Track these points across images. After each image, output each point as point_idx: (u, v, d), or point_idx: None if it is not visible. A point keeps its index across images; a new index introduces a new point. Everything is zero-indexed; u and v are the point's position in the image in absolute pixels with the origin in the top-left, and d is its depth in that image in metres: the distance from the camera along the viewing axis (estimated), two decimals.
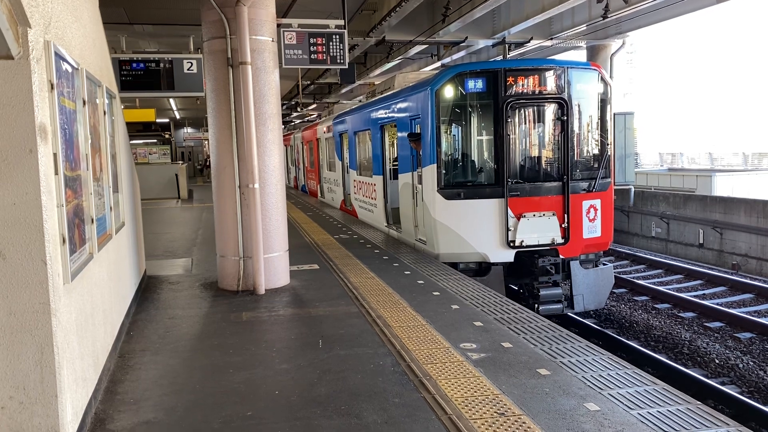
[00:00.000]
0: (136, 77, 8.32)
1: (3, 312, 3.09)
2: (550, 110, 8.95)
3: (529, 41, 16.87)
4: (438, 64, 18.60)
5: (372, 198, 12.74)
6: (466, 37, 16.22)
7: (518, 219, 8.70)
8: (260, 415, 3.88)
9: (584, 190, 8.97)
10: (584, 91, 9.02)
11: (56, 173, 3.31)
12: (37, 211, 3.08)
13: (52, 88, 3.28)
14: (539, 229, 8.78)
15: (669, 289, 12.06)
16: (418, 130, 9.47)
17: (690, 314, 10.50)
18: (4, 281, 3.08)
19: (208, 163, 33.14)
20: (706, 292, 12.10)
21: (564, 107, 8.78)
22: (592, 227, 9.05)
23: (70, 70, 3.80)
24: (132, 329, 5.83)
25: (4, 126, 3.03)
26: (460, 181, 9.05)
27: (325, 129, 18.60)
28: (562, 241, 8.83)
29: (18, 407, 3.14)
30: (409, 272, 7.93)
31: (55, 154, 3.30)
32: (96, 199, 4.40)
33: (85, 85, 4.17)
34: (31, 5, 3.03)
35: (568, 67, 8.87)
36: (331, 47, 7.64)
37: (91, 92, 4.54)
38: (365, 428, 3.64)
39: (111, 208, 5.16)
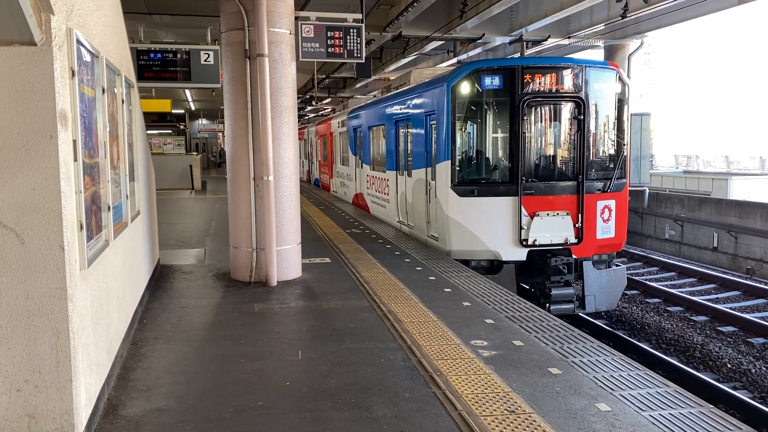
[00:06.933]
0: (154, 67, 8.35)
1: (20, 296, 3.12)
2: (566, 109, 8.89)
3: (546, 39, 16.79)
4: (454, 60, 18.58)
5: (385, 193, 12.74)
6: (483, 34, 16.17)
7: (532, 218, 8.66)
8: (271, 406, 3.91)
9: (599, 190, 8.92)
10: (601, 90, 8.95)
11: (75, 160, 3.33)
12: (56, 196, 3.11)
13: (73, 75, 3.30)
14: (552, 228, 8.74)
15: (682, 292, 11.95)
16: (433, 126, 9.46)
17: (702, 318, 10.42)
18: (23, 265, 3.11)
19: (223, 159, 33.20)
20: (720, 296, 11.99)
21: (581, 106, 8.72)
22: (605, 228, 9.00)
23: (90, 58, 3.82)
24: (145, 317, 5.88)
25: (25, 112, 3.06)
26: (474, 179, 9.02)
27: (339, 123, 18.61)
28: (576, 240, 8.79)
29: (33, 390, 3.18)
30: (420, 268, 7.93)
31: (74, 141, 3.32)
32: (113, 186, 4.43)
33: (104, 73, 4.19)
34: None
35: (585, 66, 8.81)
36: (348, 41, 7.64)
37: (110, 81, 4.57)
38: (375, 422, 3.65)
39: (127, 196, 5.20)
